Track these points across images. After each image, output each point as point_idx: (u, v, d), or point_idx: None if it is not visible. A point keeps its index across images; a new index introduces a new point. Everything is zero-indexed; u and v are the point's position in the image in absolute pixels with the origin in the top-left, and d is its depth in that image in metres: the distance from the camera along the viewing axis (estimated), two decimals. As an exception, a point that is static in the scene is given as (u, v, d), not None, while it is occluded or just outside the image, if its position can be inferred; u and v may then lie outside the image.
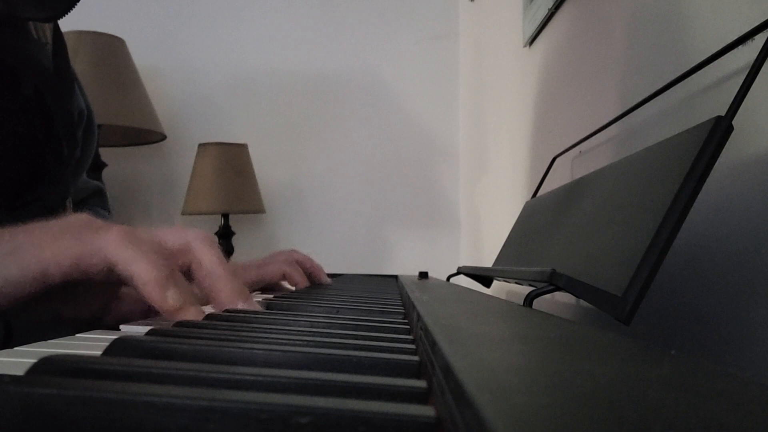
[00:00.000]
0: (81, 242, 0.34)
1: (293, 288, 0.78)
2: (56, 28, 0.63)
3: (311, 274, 0.80)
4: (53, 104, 0.57)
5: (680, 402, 0.12)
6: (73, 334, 0.33)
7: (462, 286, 0.73)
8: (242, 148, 1.91)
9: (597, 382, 0.14)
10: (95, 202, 0.83)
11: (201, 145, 1.89)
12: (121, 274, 0.34)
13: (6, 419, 0.14)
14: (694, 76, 0.49)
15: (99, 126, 1.68)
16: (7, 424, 0.14)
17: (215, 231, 1.93)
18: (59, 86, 0.60)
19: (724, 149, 0.37)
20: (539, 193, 0.88)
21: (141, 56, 1.89)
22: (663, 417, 0.11)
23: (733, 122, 0.37)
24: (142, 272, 0.34)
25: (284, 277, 0.77)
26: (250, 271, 0.75)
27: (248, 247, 2.05)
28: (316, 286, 0.77)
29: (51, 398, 0.14)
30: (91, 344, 0.29)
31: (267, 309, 0.44)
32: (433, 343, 0.20)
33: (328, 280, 0.83)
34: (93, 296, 0.40)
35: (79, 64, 1.66)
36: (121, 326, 0.36)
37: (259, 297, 0.61)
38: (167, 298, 0.34)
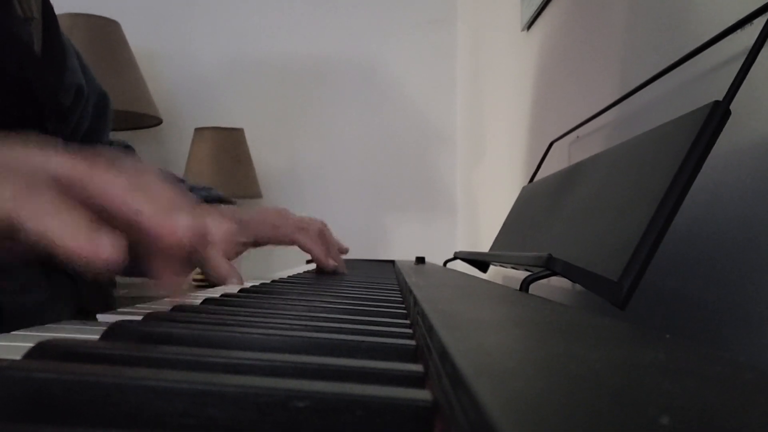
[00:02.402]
0: None
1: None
2: (45, 1, 0.61)
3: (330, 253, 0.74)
4: (37, 83, 0.56)
5: (675, 386, 0.12)
6: (69, 317, 0.33)
7: (459, 271, 0.74)
8: (239, 132, 1.90)
9: (592, 367, 0.14)
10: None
11: (197, 130, 1.88)
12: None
13: (4, 403, 0.14)
14: (692, 60, 0.48)
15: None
16: (6, 407, 0.14)
17: (212, 216, 1.92)
18: (46, 64, 0.59)
19: (721, 134, 0.37)
20: (536, 179, 0.88)
21: (136, 39, 1.87)
22: (658, 401, 0.11)
23: (730, 107, 0.37)
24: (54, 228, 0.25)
25: (295, 245, 0.72)
26: (263, 228, 0.71)
27: (245, 232, 2.05)
28: (310, 272, 0.76)
29: (49, 382, 0.14)
30: (88, 329, 0.29)
31: (261, 294, 0.44)
32: (430, 328, 0.20)
33: (342, 269, 0.76)
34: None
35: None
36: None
37: (257, 282, 0.61)
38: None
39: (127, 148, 0.81)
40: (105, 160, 0.28)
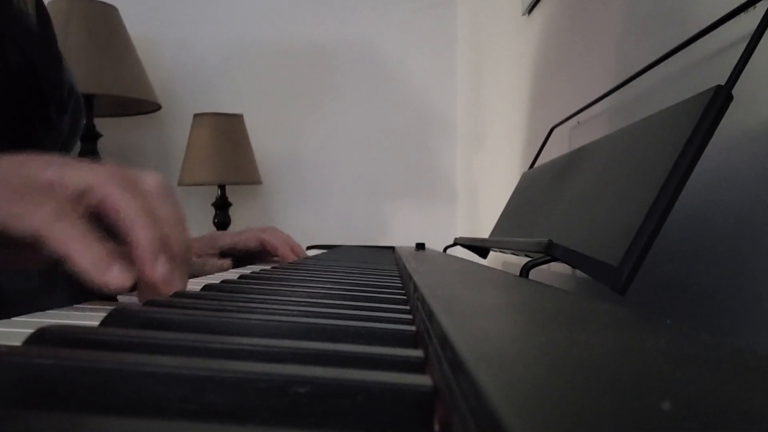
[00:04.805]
0: (8, 205, 0.30)
1: (276, 257, 0.79)
2: (39, 2, 0.61)
3: (292, 249, 0.80)
4: (40, 67, 0.56)
5: (676, 371, 0.12)
6: (69, 301, 0.33)
7: (459, 257, 0.74)
8: (238, 118, 1.89)
9: (593, 352, 0.14)
10: None
11: (196, 116, 1.87)
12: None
13: (4, 389, 0.14)
14: (694, 44, 0.48)
15: (93, 96, 1.66)
16: (6, 394, 0.14)
17: (212, 202, 1.92)
18: (45, 48, 0.59)
19: (723, 119, 0.37)
20: (537, 164, 0.87)
21: (134, 25, 1.86)
22: (658, 386, 0.11)
23: (732, 92, 0.37)
24: (78, 254, 0.30)
25: (262, 244, 0.77)
26: (225, 237, 0.76)
27: (246, 218, 2.05)
28: (310, 258, 0.77)
29: (49, 368, 0.14)
30: (88, 315, 0.29)
31: (261, 280, 0.44)
32: (430, 313, 0.20)
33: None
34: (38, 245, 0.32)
35: (72, 32, 1.63)
36: (119, 297, 0.36)
37: (256, 268, 0.61)
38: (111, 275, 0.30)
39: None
40: (122, 175, 0.33)
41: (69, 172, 0.32)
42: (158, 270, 0.31)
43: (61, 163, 0.33)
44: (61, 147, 0.72)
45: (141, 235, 0.31)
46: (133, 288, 0.34)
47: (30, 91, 0.54)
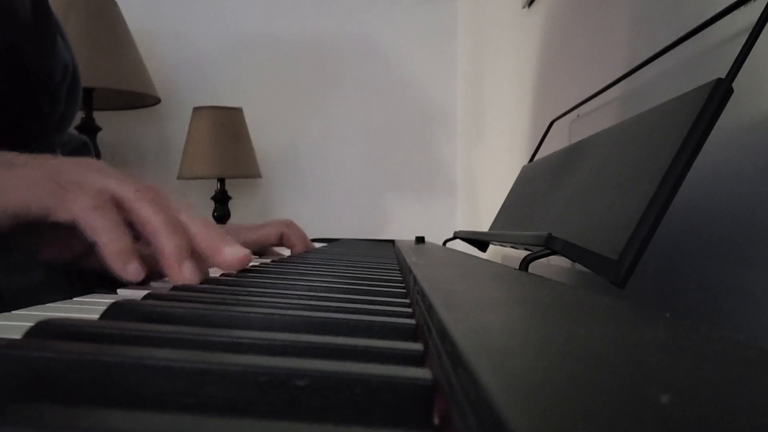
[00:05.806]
0: (53, 196, 0.35)
1: (288, 252, 0.79)
2: None
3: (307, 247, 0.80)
4: (30, 59, 0.55)
5: (675, 364, 0.12)
6: (66, 297, 0.33)
7: (458, 251, 0.74)
8: (237, 111, 1.89)
9: (592, 345, 0.14)
10: (81, 155, 0.80)
11: (196, 109, 1.87)
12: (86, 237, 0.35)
13: (4, 382, 0.14)
14: (695, 37, 0.48)
15: (92, 89, 1.66)
16: (5, 387, 0.14)
17: (212, 195, 1.92)
18: (37, 39, 0.58)
19: (723, 112, 0.37)
20: (536, 158, 0.87)
21: (134, 18, 1.85)
22: (658, 379, 0.11)
23: (733, 85, 0.37)
24: (107, 243, 0.35)
25: (281, 239, 0.76)
26: (245, 233, 0.74)
27: (245, 212, 2.05)
28: (312, 251, 0.77)
29: (49, 362, 0.14)
30: (88, 308, 0.29)
31: (261, 273, 0.44)
32: (430, 307, 0.20)
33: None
34: (73, 238, 0.37)
35: (71, 26, 1.62)
36: (118, 290, 0.36)
37: (256, 261, 0.61)
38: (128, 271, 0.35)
39: (84, 145, 0.80)
40: (155, 190, 0.38)
41: (107, 180, 0.36)
42: (184, 275, 0.36)
43: (101, 171, 0.37)
44: (57, 126, 0.71)
45: (165, 242, 0.36)
46: (142, 282, 0.38)
47: (19, 82, 0.54)
